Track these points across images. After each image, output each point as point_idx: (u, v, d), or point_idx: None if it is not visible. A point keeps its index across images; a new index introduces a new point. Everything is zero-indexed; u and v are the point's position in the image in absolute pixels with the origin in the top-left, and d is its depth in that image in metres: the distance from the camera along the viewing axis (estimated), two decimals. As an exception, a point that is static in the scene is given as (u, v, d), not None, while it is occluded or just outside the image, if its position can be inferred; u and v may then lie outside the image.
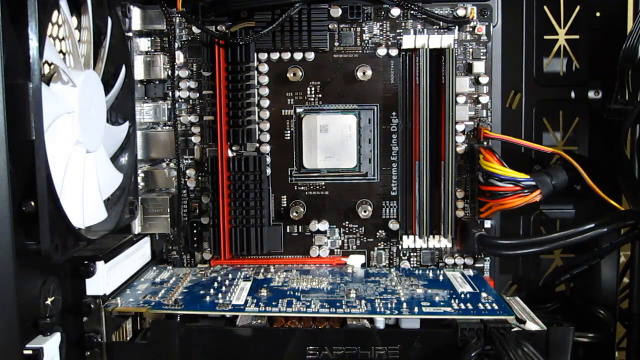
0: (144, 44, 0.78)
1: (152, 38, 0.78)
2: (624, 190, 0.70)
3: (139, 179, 0.77)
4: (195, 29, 0.77)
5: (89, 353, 0.61)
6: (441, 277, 0.75)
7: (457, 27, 0.77)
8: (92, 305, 0.61)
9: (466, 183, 0.78)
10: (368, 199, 0.80)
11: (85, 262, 0.61)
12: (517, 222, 0.80)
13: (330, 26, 0.77)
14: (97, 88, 0.62)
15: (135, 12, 0.75)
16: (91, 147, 0.60)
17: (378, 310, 0.63)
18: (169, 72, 0.77)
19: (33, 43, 0.47)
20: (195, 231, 0.80)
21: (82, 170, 0.58)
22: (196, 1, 0.75)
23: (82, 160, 0.58)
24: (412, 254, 0.80)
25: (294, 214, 0.79)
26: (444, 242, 0.78)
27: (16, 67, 0.46)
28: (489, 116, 0.78)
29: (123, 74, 0.69)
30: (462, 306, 0.64)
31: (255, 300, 0.65)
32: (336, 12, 0.76)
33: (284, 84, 0.78)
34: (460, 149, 0.77)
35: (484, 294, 0.67)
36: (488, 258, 0.80)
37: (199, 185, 0.80)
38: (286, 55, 0.77)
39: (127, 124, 0.71)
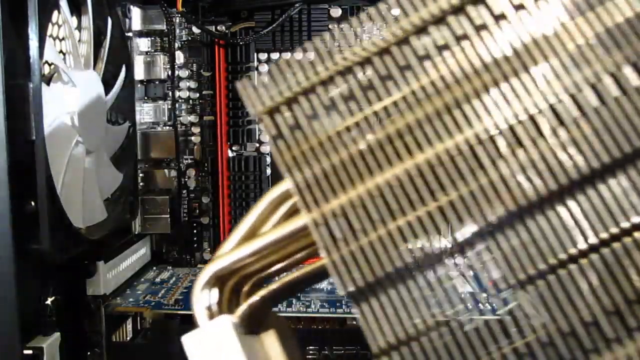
0: (144, 44, 0.78)
1: (152, 38, 0.78)
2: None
3: (139, 179, 0.77)
4: (195, 29, 0.77)
5: (89, 353, 0.61)
6: (441, 277, 0.75)
7: (457, 27, 0.77)
8: (92, 305, 0.61)
9: (466, 183, 0.78)
10: (368, 199, 0.79)
11: (85, 262, 0.61)
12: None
13: (330, 26, 0.77)
14: (97, 88, 0.62)
15: (135, 12, 0.75)
16: (91, 147, 0.60)
17: (378, 310, 0.63)
18: (169, 72, 0.77)
19: (33, 43, 0.47)
20: (195, 231, 0.80)
21: (82, 170, 0.58)
22: (196, 1, 0.75)
23: (82, 160, 0.58)
24: (412, 254, 0.80)
25: (294, 214, 0.79)
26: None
27: (16, 67, 0.46)
28: (489, 116, 0.78)
29: (123, 74, 0.69)
30: (462, 306, 0.64)
31: (255, 300, 0.65)
32: (336, 12, 0.76)
33: (284, 84, 0.78)
34: (460, 149, 0.77)
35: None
36: (488, 258, 0.80)
37: (199, 185, 0.80)
38: (286, 56, 0.77)
39: (127, 124, 0.71)
